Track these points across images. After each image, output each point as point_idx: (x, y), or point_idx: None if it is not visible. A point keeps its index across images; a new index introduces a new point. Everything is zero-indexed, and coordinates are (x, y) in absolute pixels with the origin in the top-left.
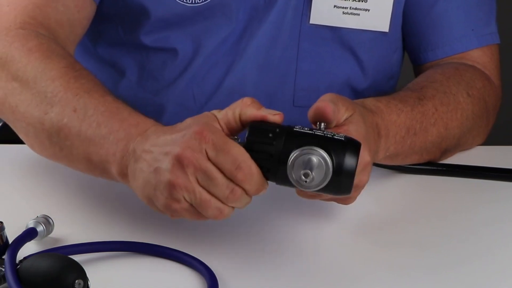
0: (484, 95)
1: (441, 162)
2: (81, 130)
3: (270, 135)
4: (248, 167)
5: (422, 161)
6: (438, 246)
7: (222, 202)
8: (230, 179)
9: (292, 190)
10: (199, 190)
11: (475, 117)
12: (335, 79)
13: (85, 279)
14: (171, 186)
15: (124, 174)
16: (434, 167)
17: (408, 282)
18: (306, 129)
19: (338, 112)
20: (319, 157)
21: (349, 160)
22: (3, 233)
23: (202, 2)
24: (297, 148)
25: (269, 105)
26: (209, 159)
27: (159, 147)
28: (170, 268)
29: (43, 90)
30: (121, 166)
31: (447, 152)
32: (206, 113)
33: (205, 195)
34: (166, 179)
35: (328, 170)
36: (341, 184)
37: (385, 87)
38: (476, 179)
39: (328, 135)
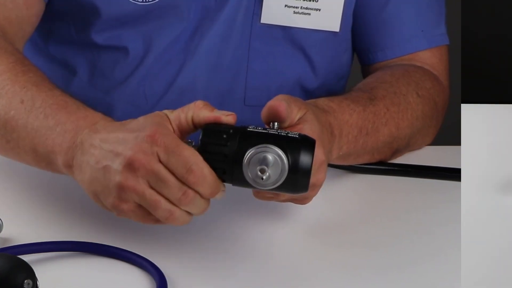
0: (434, 95)
1: (392, 161)
2: (28, 122)
3: (224, 136)
4: (200, 170)
5: (373, 161)
6: (389, 246)
7: (174, 205)
8: (183, 182)
9: (246, 191)
10: (149, 192)
11: (425, 117)
12: (286, 79)
13: (34, 279)
14: (120, 188)
15: (69, 166)
16: (385, 167)
17: (360, 282)
18: (260, 128)
19: (291, 112)
20: (274, 154)
21: (304, 157)
22: None
23: (152, 1)
24: (252, 147)
25: (221, 104)
26: (160, 162)
27: (109, 144)
28: (120, 268)
29: None
30: (67, 157)
31: (397, 152)
32: (158, 112)
33: (155, 196)
34: (116, 180)
35: (284, 167)
36: (298, 182)
37: (336, 87)
38: (427, 179)
39: (282, 134)
